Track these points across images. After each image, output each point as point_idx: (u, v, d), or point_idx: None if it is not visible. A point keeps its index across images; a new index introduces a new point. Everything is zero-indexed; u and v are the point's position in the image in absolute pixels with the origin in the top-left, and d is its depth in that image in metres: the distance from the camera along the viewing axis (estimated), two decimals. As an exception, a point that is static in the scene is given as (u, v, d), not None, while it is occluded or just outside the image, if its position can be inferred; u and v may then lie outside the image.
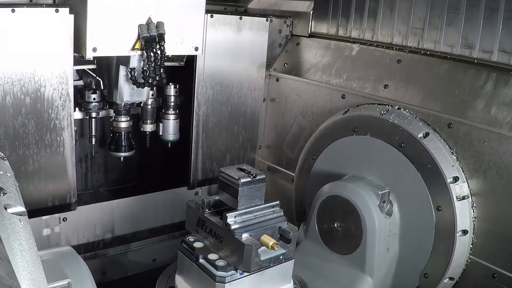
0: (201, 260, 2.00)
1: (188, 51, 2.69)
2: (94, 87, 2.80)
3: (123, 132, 2.94)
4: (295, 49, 3.31)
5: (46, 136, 2.49)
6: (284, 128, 3.28)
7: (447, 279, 2.33)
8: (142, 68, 2.55)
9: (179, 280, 2.15)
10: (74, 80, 2.58)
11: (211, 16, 2.89)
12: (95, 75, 2.79)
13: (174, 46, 2.58)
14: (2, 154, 1.63)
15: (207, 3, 2.67)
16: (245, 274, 1.95)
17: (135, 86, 2.60)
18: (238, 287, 1.96)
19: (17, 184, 1.47)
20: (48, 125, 2.49)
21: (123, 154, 3.00)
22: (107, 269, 3.04)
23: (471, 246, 2.29)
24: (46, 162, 2.53)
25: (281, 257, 2.01)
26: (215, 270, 1.95)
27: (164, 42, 2.46)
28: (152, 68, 2.48)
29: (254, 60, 3.19)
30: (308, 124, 3.08)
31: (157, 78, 2.52)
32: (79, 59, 2.53)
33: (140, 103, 2.95)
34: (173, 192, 3.22)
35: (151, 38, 2.44)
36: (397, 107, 2.53)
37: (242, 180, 2.00)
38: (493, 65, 2.28)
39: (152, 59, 2.46)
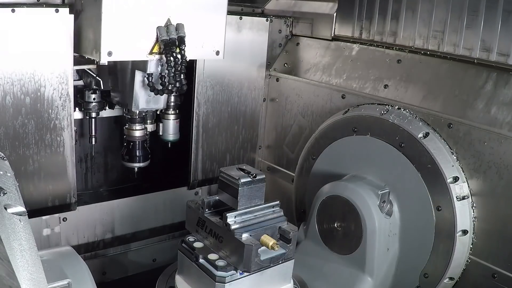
0: (201, 260, 2.00)
1: (209, 55, 2.53)
2: (94, 87, 2.80)
3: (137, 142, 2.84)
4: (295, 49, 3.31)
5: (46, 136, 2.49)
6: (284, 128, 3.27)
7: (447, 279, 2.33)
8: (160, 73, 2.41)
9: (179, 280, 2.15)
10: (74, 80, 2.57)
11: (211, 16, 2.89)
12: (95, 75, 2.79)
13: (194, 50, 2.43)
14: (2, 154, 1.63)
15: None
16: (245, 274, 1.95)
17: (152, 92, 2.45)
18: (238, 287, 1.96)
19: (17, 184, 1.47)
20: (48, 125, 2.49)
21: (137, 165, 2.90)
22: (107, 269, 3.04)
23: (471, 246, 2.29)
24: (46, 162, 2.52)
25: (281, 257, 2.01)
26: (215, 270, 1.95)
27: (185, 46, 2.31)
28: (172, 74, 2.33)
29: (254, 60, 3.19)
30: (308, 124, 3.08)
31: (178, 84, 2.38)
32: (79, 59, 2.53)
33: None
34: (173, 192, 3.22)
35: (171, 41, 2.28)
36: (397, 107, 2.53)
37: (242, 180, 2.00)
38: (493, 65, 2.28)
39: (172, 64, 2.30)
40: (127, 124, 2.84)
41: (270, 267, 2.01)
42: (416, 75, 2.57)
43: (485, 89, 2.28)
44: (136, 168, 2.94)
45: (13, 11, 2.25)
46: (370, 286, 2.43)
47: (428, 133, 2.36)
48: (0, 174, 1.45)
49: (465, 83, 2.37)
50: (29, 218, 1.34)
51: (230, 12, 2.93)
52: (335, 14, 3.02)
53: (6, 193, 1.36)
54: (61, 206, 2.67)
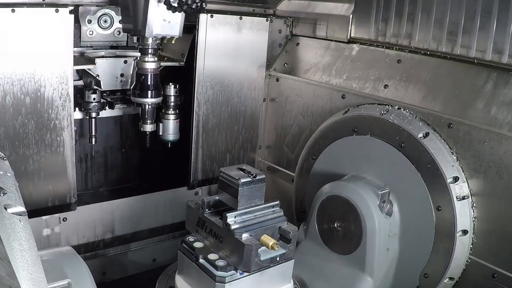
0: (201, 260, 2.00)
1: None
2: (94, 87, 2.79)
3: (149, 74, 2.65)
4: (295, 49, 3.31)
5: (46, 136, 2.49)
6: (284, 128, 3.27)
7: (447, 279, 2.33)
8: None
9: (179, 280, 2.15)
10: (74, 80, 2.58)
11: (211, 16, 2.88)
12: (95, 75, 2.79)
13: None
14: (2, 154, 1.63)
15: (234, 4, 2.48)
16: (245, 274, 1.95)
17: (167, 16, 2.30)
18: (238, 287, 1.96)
19: (17, 184, 1.47)
20: (48, 125, 2.49)
21: (149, 100, 2.69)
22: (107, 269, 3.04)
23: (471, 246, 2.29)
24: (46, 162, 2.53)
25: (281, 257, 2.01)
26: (215, 270, 1.95)
27: None
28: None
29: (254, 60, 3.19)
30: (308, 124, 3.08)
31: (197, 0, 2.22)
32: (79, 58, 2.53)
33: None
34: (173, 192, 3.22)
35: None
36: (397, 107, 2.53)
37: (242, 180, 2.00)
38: (493, 65, 2.28)
39: None
40: (138, 57, 2.68)
41: (270, 267, 2.01)
42: (416, 75, 2.57)
43: (485, 89, 2.28)
44: (147, 105, 2.74)
45: (13, 11, 2.25)
46: (370, 286, 2.43)
47: (428, 133, 2.36)
48: (0, 174, 1.45)
49: (465, 83, 2.37)
50: (29, 218, 1.34)
51: (244, 13, 2.93)
52: (351, 16, 2.91)
53: (6, 193, 1.36)
54: (61, 206, 2.67)
